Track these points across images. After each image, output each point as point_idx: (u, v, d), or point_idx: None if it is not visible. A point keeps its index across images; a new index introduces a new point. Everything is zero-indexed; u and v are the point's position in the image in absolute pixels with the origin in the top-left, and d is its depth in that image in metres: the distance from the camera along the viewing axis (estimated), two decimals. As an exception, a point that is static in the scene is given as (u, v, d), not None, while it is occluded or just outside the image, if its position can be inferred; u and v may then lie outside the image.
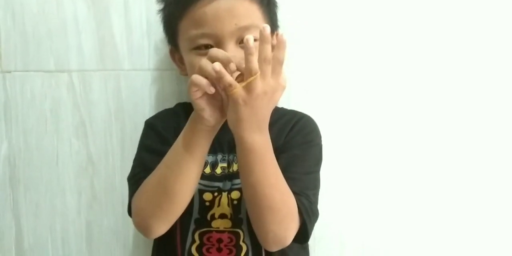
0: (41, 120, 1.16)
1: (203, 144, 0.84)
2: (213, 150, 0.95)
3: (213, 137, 0.85)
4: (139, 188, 0.89)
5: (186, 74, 0.99)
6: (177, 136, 0.90)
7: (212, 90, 0.77)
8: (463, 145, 1.15)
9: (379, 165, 1.15)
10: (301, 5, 1.12)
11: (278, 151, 0.91)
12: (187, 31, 0.92)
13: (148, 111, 1.14)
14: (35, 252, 1.19)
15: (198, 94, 0.78)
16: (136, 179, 0.92)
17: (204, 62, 0.77)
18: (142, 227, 0.89)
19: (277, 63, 0.76)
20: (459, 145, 1.15)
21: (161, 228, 0.88)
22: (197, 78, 0.77)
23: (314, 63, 1.13)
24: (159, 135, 0.97)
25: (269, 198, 0.82)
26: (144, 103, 1.15)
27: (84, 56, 1.14)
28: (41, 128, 1.16)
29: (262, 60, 0.74)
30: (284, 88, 0.78)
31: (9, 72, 1.15)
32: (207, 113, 0.80)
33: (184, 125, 0.90)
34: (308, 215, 0.88)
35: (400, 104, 1.14)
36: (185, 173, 0.84)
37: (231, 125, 0.80)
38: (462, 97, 1.14)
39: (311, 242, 0.97)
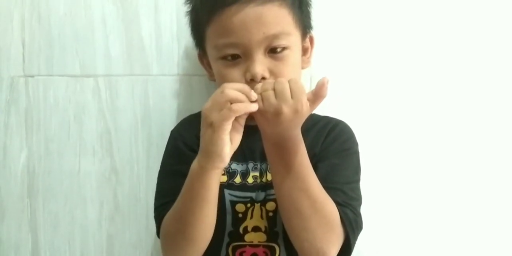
0: (63, 127, 1.13)
1: (216, 185, 0.82)
2: (242, 158, 0.93)
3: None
4: (162, 226, 0.88)
5: (215, 80, 0.97)
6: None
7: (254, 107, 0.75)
8: (484, 155, 1.12)
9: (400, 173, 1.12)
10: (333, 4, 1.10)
11: (315, 160, 0.90)
12: (214, 39, 0.90)
13: (176, 118, 1.11)
14: (52, 267, 1.14)
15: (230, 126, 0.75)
16: (161, 211, 0.90)
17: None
18: None
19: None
20: (479, 156, 1.12)
21: None
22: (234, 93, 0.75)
23: (341, 66, 1.11)
24: (181, 153, 0.94)
25: (296, 201, 0.80)
26: (172, 110, 1.12)
27: (111, 60, 1.11)
28: (63, 135, 1.13)
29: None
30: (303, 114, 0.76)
31: (32, 76, 1.12)
32: (227, 150, 0.76)
33: None
34: (351, 228, 0.84)
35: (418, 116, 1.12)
36: (201, 219, 0.82)
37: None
38: (474, 101, 1.11)
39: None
